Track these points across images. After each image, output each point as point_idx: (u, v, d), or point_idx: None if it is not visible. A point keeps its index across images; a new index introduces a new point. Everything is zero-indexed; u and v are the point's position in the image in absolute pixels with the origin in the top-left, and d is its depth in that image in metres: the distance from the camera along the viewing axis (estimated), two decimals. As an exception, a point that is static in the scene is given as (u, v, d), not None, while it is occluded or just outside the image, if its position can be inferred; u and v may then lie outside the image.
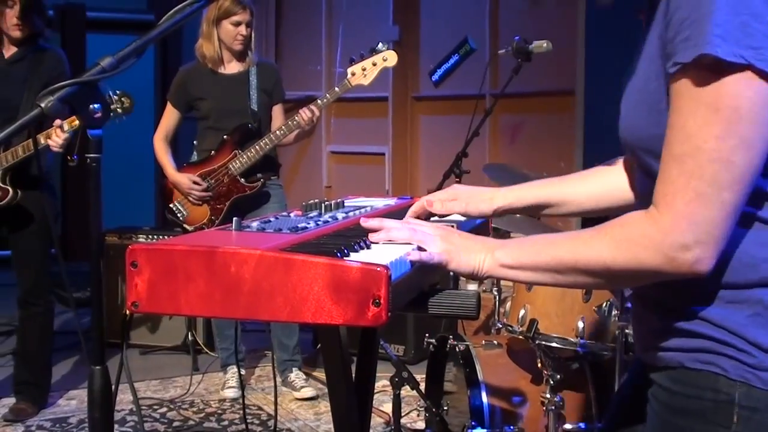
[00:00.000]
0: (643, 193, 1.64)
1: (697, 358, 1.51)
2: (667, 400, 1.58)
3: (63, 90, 1.66)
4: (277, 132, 5.01)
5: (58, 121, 4.26)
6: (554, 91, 6.90)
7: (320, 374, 5.58)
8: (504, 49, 4.70)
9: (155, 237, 6.26)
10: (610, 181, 1.94)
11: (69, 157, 4.28)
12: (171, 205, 5.20)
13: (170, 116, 5.34)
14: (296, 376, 5.34)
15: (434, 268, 1.66)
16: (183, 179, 5.10)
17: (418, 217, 1.99)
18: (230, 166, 5.05)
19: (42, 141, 4.31)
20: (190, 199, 5.12)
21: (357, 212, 2.09)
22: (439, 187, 4.72)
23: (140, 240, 6.25)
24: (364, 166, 8.55)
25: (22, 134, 4.48)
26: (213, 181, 5.08)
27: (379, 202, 2.42)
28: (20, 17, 4.52)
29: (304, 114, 4.94)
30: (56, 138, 4.29)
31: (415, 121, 8.28)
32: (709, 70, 1.38)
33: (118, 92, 4.41)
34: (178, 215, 5.18)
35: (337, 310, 1.40)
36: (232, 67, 5.22)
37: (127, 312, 1.55)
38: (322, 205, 2.11)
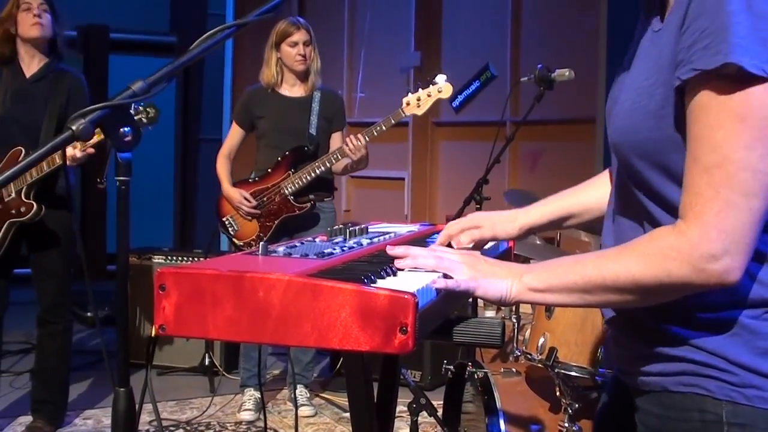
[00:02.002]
0: (622, 205, 1.67)
1: (680, 381, 1.55)
2: (656, 424, 1.61)
3: (94, 113, 1.67)
4: (332, 156, 5.10)
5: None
6: (575, 119, 6.91)
7: (336, 398, 5.58)
8: (526, 76, 4.71)
9: (174, 258, 6.29)
10: None
11: (99, 180, 4.29)
12: (224, 219, 5.33)
13: (234, 134, 5.45)
14: (299, 393, 5.41)
15: (460, 296, 1.66)
16: (235, 193, 5.23)
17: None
18: (282, 185, 5.16)
19: (58, 160, 4.32)
20: (240, 213, 5.23)
21: (381, 238, 2.10)
22: (459, 214, 4.73)
23: (158, 260, 6.27)
24: (383, 191, 8.57)
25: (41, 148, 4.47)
26: (265, 199, 5.19)
27: (403, 229, 2.42)
28: (39, 13, 4.51)
29: (350, 143, 5.02)
30: (77, 152, 4.30)
31: (435, 146, 8.30)
32: (733, 80, 1.39)
33: (142, 103, 4.43)
34: (230, 229, 5.32)
35: (363, 337, 1.40)
36: (295, 91, 5.34)
37: (154, 335, 1.56)
38: (347, 230, 2.12)
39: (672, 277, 1.45)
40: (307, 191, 5.19)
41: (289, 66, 5.26)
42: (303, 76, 5.31)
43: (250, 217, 5.22)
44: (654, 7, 1.65)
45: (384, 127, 5.02)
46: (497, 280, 1.63)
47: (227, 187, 5.29)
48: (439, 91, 5.03)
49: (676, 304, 1.51)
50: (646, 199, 1.58)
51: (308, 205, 5.19)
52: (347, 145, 5.01)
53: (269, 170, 5.23)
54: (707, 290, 1.46)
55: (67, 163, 4.36)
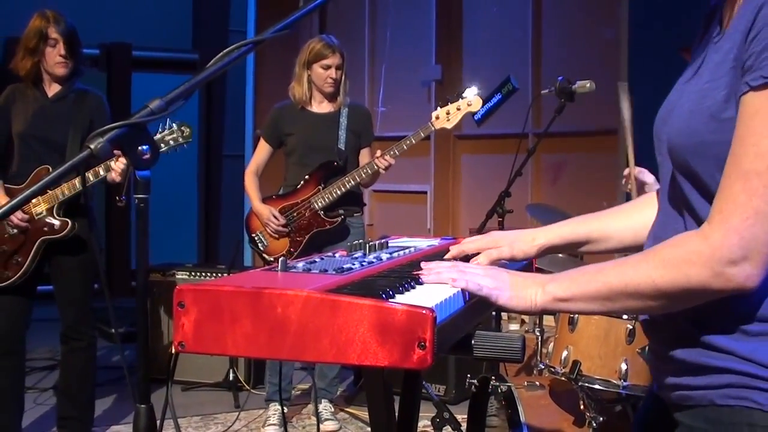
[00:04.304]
0: (672, 205, 1.65)
1: (728, 394, 1.51)
2: None
3: (112, 131, 1.67)
4: (362, 172, 5.10)
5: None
6: (597, 131, 6.88)
7: (360, 412, 5.58)
8: (547, 89, 4.72)
9: (198, 273, 6.31)
10: (649, 215, 1.91)
11: (118, 198, 4.30)
12: (254, 235, 5.34)
13: (262, 151, 5.46)
14: (324, 407, 5.43)
15: (484, 308, 1.66)
16: (264, 210, 5.24)
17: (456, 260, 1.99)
18: (312, 200, 5.17)
19: (101, 172, 4.34)
20: (268, 230, 5.24)
21: (401, 253, 2.10)
22: (482, 227, 4.73)
23: (182, 276, 6.29)
24: (406, 205, 8.56)
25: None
26: (295, 214, 5.21)
27: (423, 243, 2.42)
28: (65, 55, 4.58)
29: (381, 162, 5.01)
30: (118, 164, 4.30)
31: (457, 159, 8.29)
32: None
33: (176, 122, 4.41)
34: (260, 245, 5.33)
35: (382, 352, 1.40)
36: (323, 107, 5.36)
37: (173, 351, 1.56)
38: (366, 245, 2.12)
39: (691, 281, 1.45)
40: (337, 206, 5.20)
41: (319, 86, 5.27)
42: (331, 96, 5.33)
43: (277, 235, 5.23)
44: (714, 19, 1.65)
45: (413, 141, 5.03)
46: (522, 290, 1.65)
47: (257, 204, 5.30)
48: (469, 105, 5.05)
49: (722, 314, 1.50)
50: (702, 199, 1.55)
51: (338, 219, 5.20)
52: (378, 164, 5.01)
53: (299, 185, 5.24)
54: (726, 296, 1.45)
55: (117, 178, 4.38)
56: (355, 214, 5.35)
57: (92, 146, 1.64)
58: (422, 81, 8.34)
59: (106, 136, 1.65)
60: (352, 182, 5.11)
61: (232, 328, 1.47)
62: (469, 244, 2.05)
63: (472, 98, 5.05)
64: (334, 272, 1.72)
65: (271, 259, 5.25)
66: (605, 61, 6.72)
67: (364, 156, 5.39)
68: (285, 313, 1.44)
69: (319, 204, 5.15)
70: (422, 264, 1.79)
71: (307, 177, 5.22)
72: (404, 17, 8.62)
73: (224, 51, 1.77)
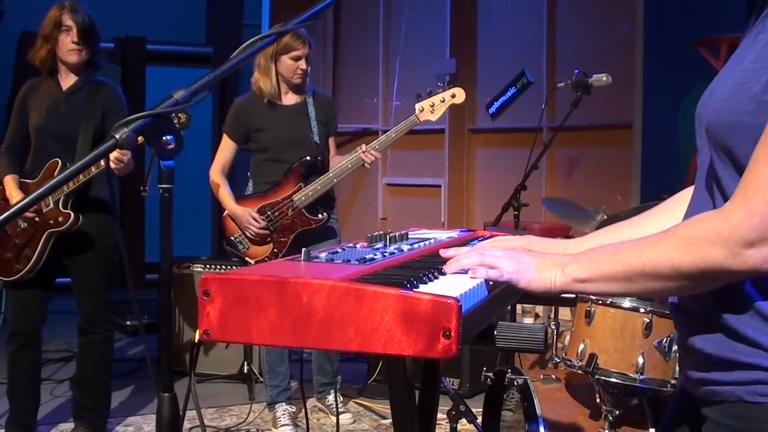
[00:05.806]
0: (712, 187, 1.60)
1: (755, 391, 1.48)
2: None
3: (137, 121, 1.68)
4: (345, 165, 4.95)
5: None
6: (612, 125, 6.88)
7: (373, 404, 5.58)
8: (563, 82, 4.71)
9: (212, 266, 6.30)
10: (679, 214, 1.85)
11: (141, 188, 4.30)
12: (232, 238, 5.11)
13: (227, 148, 5.24)
14: (334, 399, 5.34)
15: (504, 301, 1.66)
16: (242, 213, 5.01)
17: None
18: (295, 198, 4.96)
19: (93, 169, 4.31)
20: (247, 234, 5.02)
21: (421, 244, 2.10)
22: (498, 221, 4.73)
23: (197, 269, 6.29)
24: (419, 198, 8.56)
25: (79, 159, 4.43)
26: (276, 213, 4.98)
27: (442, 235, 2.43)
28: (78, 41, 4.56)
29: (368, 157, 4.91)
30: (116, 154, 4.27)
31: (471, 153, 8.28)
32: None
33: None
34: (240, 247, 5.09)
35: (407, 342, 1.40)
36: (289, 99, 5.15)
37: (197, 340, 1.57)
38: (387, 236, 2.12)
39: (708, 261, 1.42)
40: (317, 204, 5.01)
41: (287, 78, 5.07)
42: (297, 88, 5.15)
43: (258, 239, 5.03)
44: (759, 3, 1.60)
45: (396, 134, 4.95)
46: (542, 272, 1.63)
47: (233, 206, 5.07)
48: (453, 96, 4.97)
49: (749, 303, 1.47)
50: (737, 176, 1.49)
51: (324, 217, 5.01)
52: (365, 159, 4.91)
53: (277, 183, 5.04)
54: (742, 278, 1.43)
55: (112, 164, 4.36)
56: (332, 213, 5.21)
57: (117, 136, 1.65)
58: (437, 75, 8.31)
59: (131, 126, 1.66)
60: (335, 179, 4.95)
61: (257, 316, 1.48)
62: (502, 242, 2.03)
63: (455, 89, 4.99)
64: (357, 262, 1.73)
65: (252, 262, 5.04)
66: (620, 54, 6.71)
67: (330, 145, 5.27)
68: (310, 302, 1.45)
69: (303, 202, 4.94)
70: (441, 251, 1.79)
71: (285, 173, 5.02)
72: (419, 11, 8.62)
73: (247, 42, 1.78)
